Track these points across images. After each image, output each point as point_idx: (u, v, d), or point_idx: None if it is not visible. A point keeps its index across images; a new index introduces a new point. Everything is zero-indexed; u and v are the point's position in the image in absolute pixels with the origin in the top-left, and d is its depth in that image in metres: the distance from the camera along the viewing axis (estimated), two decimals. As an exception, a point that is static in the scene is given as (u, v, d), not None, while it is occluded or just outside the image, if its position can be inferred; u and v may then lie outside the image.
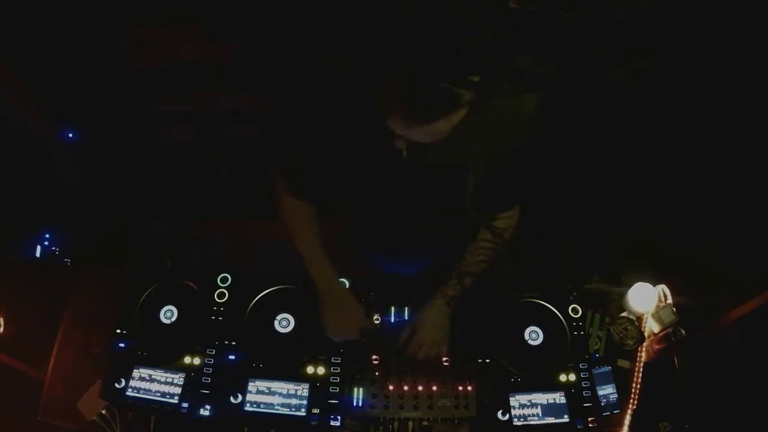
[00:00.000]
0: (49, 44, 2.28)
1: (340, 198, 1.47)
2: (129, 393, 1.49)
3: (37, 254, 2.03)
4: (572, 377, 1.54)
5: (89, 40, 2.47)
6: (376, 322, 1.58)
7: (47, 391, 1.65)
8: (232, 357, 1.52)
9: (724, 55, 2.46)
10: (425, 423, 1.48)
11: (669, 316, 1.67)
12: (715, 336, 2.05)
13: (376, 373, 1.51)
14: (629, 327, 1.65)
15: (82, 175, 2.63)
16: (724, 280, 2.31)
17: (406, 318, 1.58)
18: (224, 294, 1.61)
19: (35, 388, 1.65)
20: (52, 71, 2.34)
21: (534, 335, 1.59)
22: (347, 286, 1.61)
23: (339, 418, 1.45)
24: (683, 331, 1.62)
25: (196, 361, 1.51)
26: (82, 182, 2.64)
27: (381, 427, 1.48)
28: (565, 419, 1.49)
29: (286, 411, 1.46)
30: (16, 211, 2.22)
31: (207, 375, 1.50)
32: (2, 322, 1.67)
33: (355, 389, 1.48)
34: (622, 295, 1.71)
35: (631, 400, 1.60)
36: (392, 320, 1.59)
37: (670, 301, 1.71)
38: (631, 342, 1.64)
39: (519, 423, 1.48)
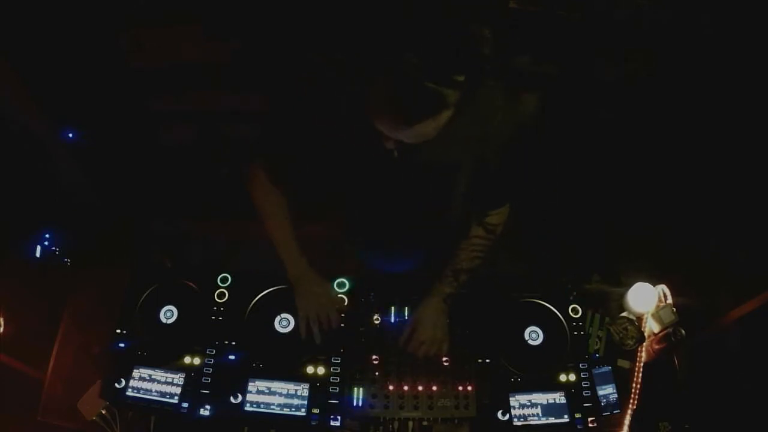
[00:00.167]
0: (49, 44, 2.27)
1: (334, 196, 1.47)
2: (129, 393, 1.49)
3: (37, 254, 2.03)
4: (572, 377, 1.54)
5: (89, 40, 2.47)
6: (376, 322, 1.58)
7: (47, 391, 1.65)
8: (232, 357, 1.52)
9: (724, 55, 2.46)
10: (425, 423, 1.49)
11: (669, 316, 1.67)
12: (715, 336, 2.05)
13: (376, 373, 1.51)
14: (629, 327, 1.65)
15: (82, 175, 2.62)
16: (724, 280, 2.31)
17: (406, 318, 1.58)
18: (224, 294, 1.61)
19: (35, 388, 1.65)
20: (52, 71, 2.33)
21: (534, 335, 1.59)
22: (347, 287, 1.61)
23: (339, 418, 1.45)
24: (683, 331, 1.62)
25: (196, 361, 1.51)
26: (82, 182, 2.64)
27: (381, 427, 1.48)
28: (565, 419, 1.49)
29: (286, 411, 1.46)
30: (16, 211, 2.22)
31: (207, 375, 1.50)
32: (2, 322, 1.67)
33: (355, 389, 1.49)
34: (622, 295, 1.71)
35: (631, 400, 1.60)
36: (392, 320, 1.59)
37: (670, 301, 1.71)
38: (631, 342, 1.64)
39: (519, 423, 1.48)
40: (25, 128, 2.33)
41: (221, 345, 1.54)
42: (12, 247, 2.06)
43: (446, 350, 1.53)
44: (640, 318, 1.71)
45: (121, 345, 1.54)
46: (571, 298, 1.65)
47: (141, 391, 1.50)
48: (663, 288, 1.72)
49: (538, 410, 1.50)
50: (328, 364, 1.50)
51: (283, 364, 1.51)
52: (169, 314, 1.59)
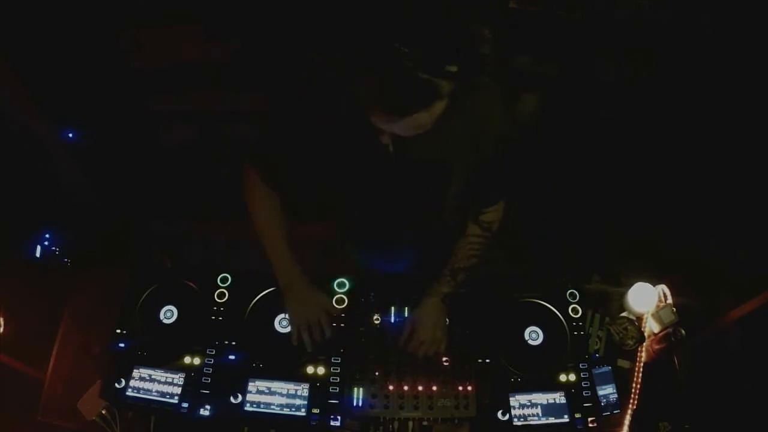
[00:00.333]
0: (49, 44, 2.28)
1: (331, 196, 1.47)
2: (129, 393, 1.49)
3: (37, 254, 2.03)
4: (572, 377, 1.54)
5: (89, 40, 2.47)
6: (376, 322, 1.58)
7: (47, 391, 1.65)
8: (232, 357, 1.52)
9: (724, 55, 2.46)
10: (425, 423, 1.48)
11: (669, 316, 1.67)
12: (715, 336, 2.05)
13: (376, 373, 1.51)
14: (629, 327, 1.65)
15: (82, 175, 2.63)
16: (724, 280, 2.32)
17: (406, 318, 1.58)
18: (224, 294, 1.61)
19: (35, 388, 1.65)
20: (52, 71, 2.33)
21: (534, 335, 1.59)
22: (347, 287, 1.61)
23: (339, 418, 1.45)
24: (683, 331, 1.62)
25: (196, 361, 1.51)
26: (82, 182, 2.64)
27: (381, 427, 1.48)
28: (565, 419, 1.49)
29: (286, 411, 1.46)
30: (16, 211, 2.22)
31: (207, 375, 1.50)
32: (2, 322, 1.67)
33: (355, 389, 1.48)
34: (622, 295, 1.71)
35: (631, 400, 1.60)
36: (392, 320, 1.59)
37: (670, 301, 1.71)
38: (631, 342, 1.64)
39: (519, 423, 1.48)
40: (25, 128, 2.33)
41: (221, 345, 1.54)
42: (12, 247, 2.06)
43: (444, 348, 1.53)
44: (640, 318, 1.71)
45: (121, 345, 1.54)
46: (572, 300, 1.65)
47: (141, 391, 1.49)
48: (663, 288, 1.72)
49: (538, 410, 1.50)
50: (328, 364, 1.50)
51: (283, 364, 1.51)
52: (169, 314, 1.59)
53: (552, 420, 1.49)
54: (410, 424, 1.48)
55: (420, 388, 1.49)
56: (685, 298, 1.75)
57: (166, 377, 1.50)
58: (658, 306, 1.69)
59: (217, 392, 1.48)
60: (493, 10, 2.44)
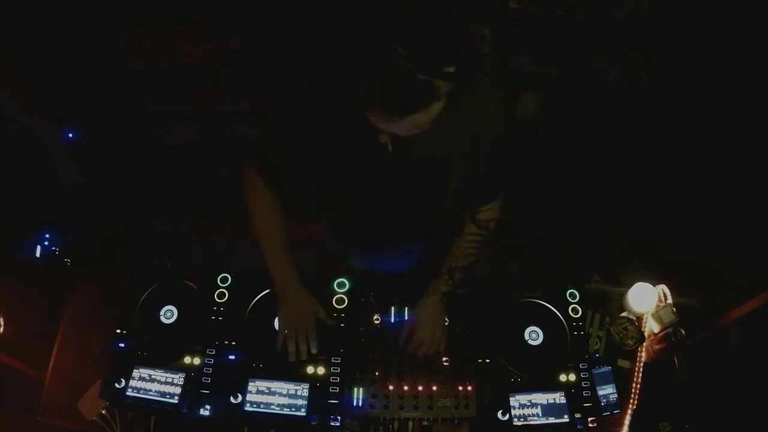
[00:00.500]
0: (49, 44, 2.28)
1: (329, 197, 1.47)
2: (129, 393, 1.49)
3: (37, 254, 2.03)
4: (572, 377, 1.53)
5: (89, 40, 2.47)
6: (376, 322, 1.58)
7: (47, 391, 1.65)
8: (232, 357, 1.52)
9: (724, 55, 2.46)
10: (425, 423, 1.48)
11: (669, 316, 1.67)
12: (715, 336, 2.05)
13: (376, 373, 1.51)
14: (629, 327, 1.65)
15: (82, 175, 2.63)
16: (724, 280, 2.32)
17: (406, 318, 1.58)
18: (224, 294, 1.61)
19: (35, 388, 1.65)
20: (52, 71, 2.34)
21: (534, 335, 1.59)
22: (347, 287, 1.61)
23: (339, 418, 1.45)
24: (683, 331, 1.62)
25: (196, 361, 1.51)
26: (82, 182, 2.64)
27: (381, 427, 1.48)
28: (565, 419, 1.49)
29: (286, 411, 1.46)
30: (16, 211, 2.22)
31: (207, 375, 1.50)
32: (2, 322, 1.67)
33: (355, 389, 1.48)
34: (622, 295, 1.71)
35: (631, 400, 1.60)
36: (392, 320, 1.59)
37: (670, 301, 1.71)
38: (631, 342, 1.64)
39: (519, 423, 1.48)
40: (25, 128, 2.33)
41: (221, 345, 1.54)
42: (12, 247, 2.07)
43: (443, 347, 1.53)
44: (640, 318, 1.71)
45: (121, 345, 1.54)
46: (573, 300, 1.64)
47: (141, 391, 1.49)
48: (663, 288, 1.72)
49: (538, 410, 1.50)
50: (328, 364, 1.50)
51: (283, 364, 1.51)
52: (169, 314, 1.59)
53: (552, 420, 1.49)
54: (410, 424, 1.48)
55: (420, 388, 1.49)
56: (685, 298, 1.75)
57: (166, 377, 1.50)
58: (658, 306, 1.69)
59: (217, 392, 1.48)
60: (493, 10, 2.44)
